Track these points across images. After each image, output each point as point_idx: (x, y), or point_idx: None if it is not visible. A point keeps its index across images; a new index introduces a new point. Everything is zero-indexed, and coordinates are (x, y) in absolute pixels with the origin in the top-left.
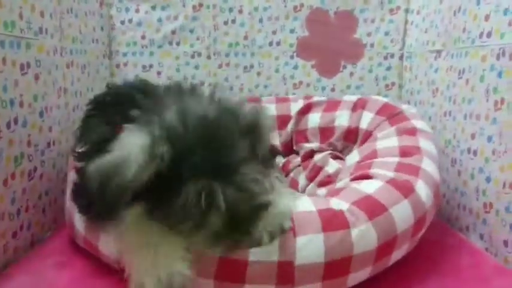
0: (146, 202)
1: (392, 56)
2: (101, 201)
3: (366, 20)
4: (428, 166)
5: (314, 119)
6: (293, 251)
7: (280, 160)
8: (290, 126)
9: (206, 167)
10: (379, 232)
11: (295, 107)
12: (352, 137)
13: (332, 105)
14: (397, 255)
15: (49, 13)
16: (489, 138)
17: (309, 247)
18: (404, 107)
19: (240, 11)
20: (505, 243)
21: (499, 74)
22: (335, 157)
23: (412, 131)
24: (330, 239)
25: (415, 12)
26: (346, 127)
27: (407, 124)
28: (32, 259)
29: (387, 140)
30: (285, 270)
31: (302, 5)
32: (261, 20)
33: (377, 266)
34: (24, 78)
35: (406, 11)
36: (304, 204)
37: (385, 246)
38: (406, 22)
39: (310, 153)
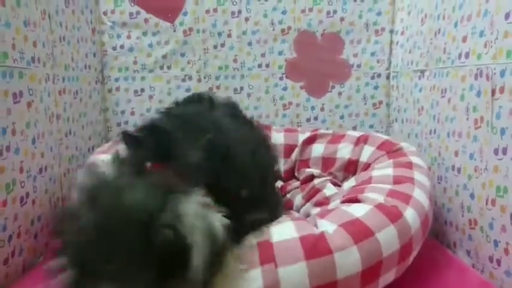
0: None
1: (379, 75)
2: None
3: (352, 42)
4: (419, 196)
5: (318, 149)
6: (277, 282)
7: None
8: (294, 154)
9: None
10: (363, 256)
11: (302, 137)
12: (352, 168)
13: (336, 138)
14: (385, 280)
15: (42, 42)
16: (471, 156)
17: (293, 277)
18: (404, 144)
19: (229, 35)
20: (490, 259)
21: (478, 94)
22: (334, 184)
23: (409, 165)
24: (313, 267)
25: (399, 33)
26: (347, 159)
27: (405, 159)
28: (24, 285)
29: (383, 170)
30: None
31: (290, 28)
32: (250, 43)
33: None
34: (16, 106)
35: (391, 32)
36: (287, 231)
37: (370, 271)
38: (391, 43)
39: (310, 178)
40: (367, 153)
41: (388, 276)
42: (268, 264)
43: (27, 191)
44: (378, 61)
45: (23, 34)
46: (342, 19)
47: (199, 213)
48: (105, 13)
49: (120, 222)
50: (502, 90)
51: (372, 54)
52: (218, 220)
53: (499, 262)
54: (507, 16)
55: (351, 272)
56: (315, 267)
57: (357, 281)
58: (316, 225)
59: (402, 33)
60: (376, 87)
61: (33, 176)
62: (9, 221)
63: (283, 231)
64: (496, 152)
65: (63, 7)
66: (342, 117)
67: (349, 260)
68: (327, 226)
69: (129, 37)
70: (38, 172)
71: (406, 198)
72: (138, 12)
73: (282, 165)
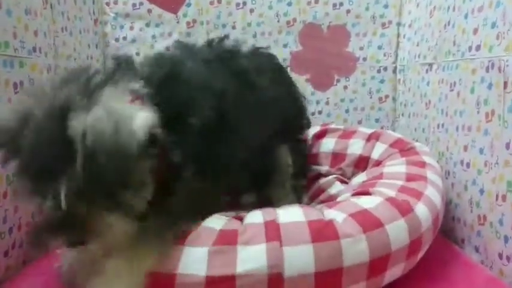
0: None
1: (385, 69)
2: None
3: (358, 34)
4: (431, 194)
5: (328, 144)
6: (281, 261)
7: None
8: None
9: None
10: (371, 246)
11: (312, 131)
12: (363, 165)
13: (347, 134)
14: (391, 274)
15: (43, 32)
16: (481, 150)
17: (298, 258)
18: (417, 144)
19: (234, 27)
20: (500, 255)
21: (489, 86)
22: (341, 181)
23: (422, 164)
24: (319, 250)
25: (406, 26)
26: (358, 155)
27: (418, 158)
28: (24, 277)
29: (396, 167)
30: (275, 283)
31: (295, 20)
32: (254, 35)
33: (370, 283)
34: (17, 96)
35: (398, 24)
36: (294, 215)
37: (378, 262)
38: (398, 36)
39: (317, 176)
40: (379, 150)
41: (395, 271)
42: (274, 242)
43: None
44: (384, 54)
45: (24, 23)
46: (348, 11)
47: (110, 108)
48: (107, 3)
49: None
50: None
51: (379, 47)
52: (137, 120)
53: (508, 259)
54: None
55: (357, 261)
56: (322, 250)
57: (363, 272)
58: (323, 215)
59: (410, 26)
60: (382, 81)
61: None
62: (10, 213)
63: (290, 214)
64: (507, 146)
65: None
66: (347, 111)
67: (356, 248)
68: (336, 215)
69: (132, 28)
70: None
71: (418, 195)
72: (141, 3)
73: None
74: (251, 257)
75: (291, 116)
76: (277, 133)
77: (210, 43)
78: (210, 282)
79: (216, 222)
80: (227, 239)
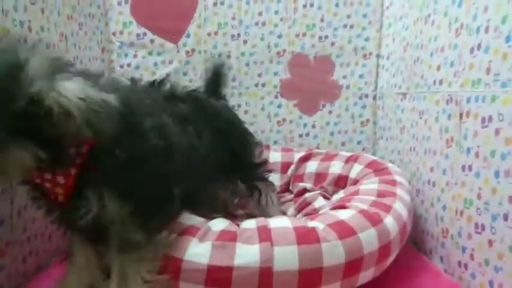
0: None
1: (366, 96)
2: None
3: (342, 64)
4: (399, 207)
5: (312, 166)
6: (271, 258)
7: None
8: (290, 171)
9: None
10: (346, 250)
11: (298, 156)
12: (342, 183)
13: (329, 157)
14: (364, 276)
15: None
16: (443, 171)
17: (285, 256)
18: (389, 164)
19: (229, 56)
20: (459, 263)
21: (449, 117)
22: (323, 197)
23: (392, 182)
24: (303, 250)
25: (385, 57)
26: (338, 174)
27: (390, 177)
28: (40, 282)
29: (370, 185)
30: (265, 275)
31: (284, 51)
32: (247, 64)
33: (346, 283)
34: None
35: (378, 56)
36: (282, 222)
37: (352, 264)
38: (378, 66)
39: (303, 191)
40: (356, 170)
41: (368, 273)
42: (266, 243)
43: None
44: (365, 83)
45: None
46: (332, 43)
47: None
48: (114, 34)
49: None
50: (467, 114)
51: (360, 76)
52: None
53: (466, 266)
54: (472, 50)
55: (335, 262)
56: (305, 251)
57: (339, 271)
58: (307, 224)
59: (388, 57)
60: (363, 107)
61: None
62: (29, 223)
63: (279, 222)
64: (463, 168)
65: (78, 29)
66: (332, 133)
67: (334, 251)
68: (317, 224)
69: (135, 56)
70: None
71: (387, 208)
72: (144, 34)
73: (279, 180)
74: (247, 253)
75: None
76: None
77: (151, 84)
78: (211, 270)
79: (220, 223)
80: (228, 237)
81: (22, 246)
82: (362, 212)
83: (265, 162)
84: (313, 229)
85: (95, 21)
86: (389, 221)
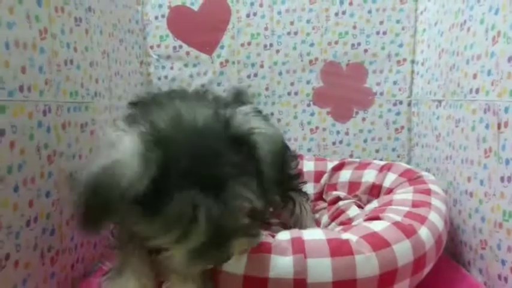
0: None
1: (400, 102)
2: (88, 213)
3: (375, 71)
4: (434, 218)
5: (345, 174)
6: (305, 269)
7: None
8: (324, 179)
9: (195, 177)
10: (380, 262)
11: (331, 165)
12: (376, 192)
13: (362, 166)
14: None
15: (102, 79)
16: (481, 182)
17: (318, 268)
18: (424, 173)
19: (261, 66)
20: (499, 277)
21: (486, 126)
22: (357, 205)
23: (427, 192)
24: (336, 263)
25: (420, 63)
26: (372, 183)
27: (424, 186)
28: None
29: (404, 194)
30: (300, 287)
31: (317, 59)
32: (280, 73)
33: None
34: (83, 135)
35: (412, 62)
36: (316, 234)
37: (387, 276)
38: (412, 72)
39: (336, 200)
40: (390, 179)
41: (403, 285)
42: (299, 254)
43: None
44: (399, 89)
45: (88, 73)
46: (365, 50)
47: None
48: (151, 47)
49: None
50: (506, 124)
51: (394, 83)
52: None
53: (506, 279)
54: (509, 59)
55: (369, 274)
56: (338, 263)
57: (374, 283)
58: (340, 236)
59: (422, 64)
60: (398, 113)
61: None
62: (76, 233)
63: (313, 233)
64: (502, 179)
65: (118, 45)
66: (365, 141)
67: (368, 263)
68: (350, 236)
69: (172, 68)
70: None
71: (422, 219)
72: (180, 46)
73: (312, 189)
74: (281, 265)
75: None
76: None
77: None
78: (247, 280)
79: None
80: (264, 249)
81: (70, 254)
82: (396, 223)
83: (300, 173)
84: (347, 241)
85: (133, 36)
86: (424, 232)
